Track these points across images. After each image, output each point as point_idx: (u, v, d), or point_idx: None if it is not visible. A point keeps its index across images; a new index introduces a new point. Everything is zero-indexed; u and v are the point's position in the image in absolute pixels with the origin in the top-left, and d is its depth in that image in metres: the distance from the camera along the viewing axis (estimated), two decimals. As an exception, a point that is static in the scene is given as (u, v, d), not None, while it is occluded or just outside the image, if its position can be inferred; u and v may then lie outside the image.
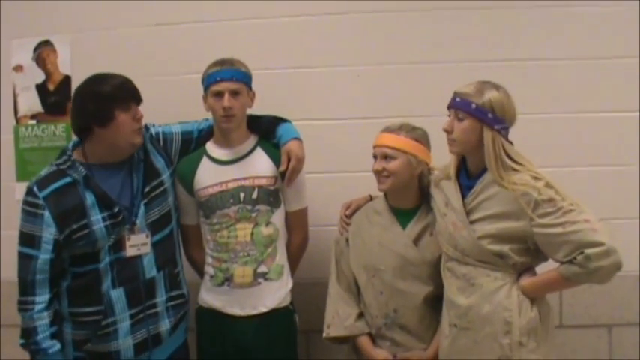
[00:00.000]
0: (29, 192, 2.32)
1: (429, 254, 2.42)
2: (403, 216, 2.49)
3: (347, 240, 2.58)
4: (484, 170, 2.22)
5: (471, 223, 2.22)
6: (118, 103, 2.28)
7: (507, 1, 2.92)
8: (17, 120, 3.18)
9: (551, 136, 2.73)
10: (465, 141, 2.21)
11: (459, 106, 2.21)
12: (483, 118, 2.16)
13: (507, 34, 2.93)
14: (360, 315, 2.53)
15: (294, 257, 2.68)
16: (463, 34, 2.94)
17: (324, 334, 2.56)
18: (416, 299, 2.41)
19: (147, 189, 2.41)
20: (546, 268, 2.22)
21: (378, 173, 2.42)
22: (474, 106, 2.17)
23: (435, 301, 2.43)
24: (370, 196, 2.64)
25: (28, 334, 2.29)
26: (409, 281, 2.42)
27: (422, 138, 2.44)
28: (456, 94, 2.23)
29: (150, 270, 2.40)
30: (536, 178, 2.14)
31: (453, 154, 2.30)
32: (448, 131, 2.24)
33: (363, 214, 2.58)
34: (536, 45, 2.91)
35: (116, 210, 2.33)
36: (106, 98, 2.28)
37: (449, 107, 2.26)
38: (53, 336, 2.30)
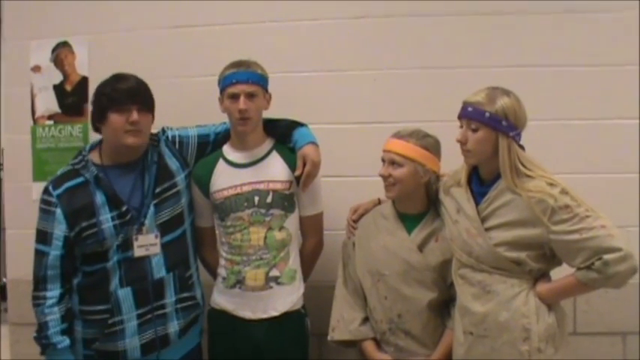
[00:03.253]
0: (45, 190, 2.39)
1: (433, 260, 2.41)
2: (410, 221, 2.49)
3: (354, 244, 2.58)
4: (497, 177, 2.21)
5: (486, 230, 2.22)
6: (111, 104, 2.32)
7: (524, 1, 2.92)
8: (34, 120, 3.20)
9: (550, 143, 2.72)
10: (481, 151, 2.20)
11: (472, 116, 2.18)
12: (498, 126, 2.15)
13: (516, 41, 2.92)
14: (365, 319, 2.53)
15: (309, 262, 2.68)
16: (478, 40, 2.94)
17: (329, 337, 2.58)
18: (419, 305, 2.41)
19: (158, 190, 2.43)
20: (560, 273, 2.22)
21: (383, 178, 2.42)
22: (487, 115, 2.15)
23: (439, 307, 2.44)
24: (379, 199, 2.63)
25: (39, 329, 2.35)
26: (413, 287, 2.41)
27: (431, 146, 2.43)
28: (466, 103, 2.21)
29: (159, 271, 2.41)
30: (551, 185, 2.13)
31: (469, 164, 2.29)
32: (462, 142, 2.22)
33: (370, 218, 2.58)
34: (538, 52, 2.91)
35: (124, 209, 2.36)
36: (103, 99, 2.34)
37: (460, 117, 2.24)
38: (64, 332, 2.34)
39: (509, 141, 2.15)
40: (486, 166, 2.24)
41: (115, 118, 2.32)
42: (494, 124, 2.15)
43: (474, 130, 2.18)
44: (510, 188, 2.16)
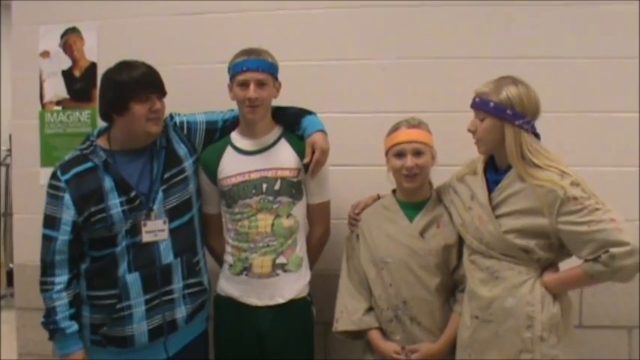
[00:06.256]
0: (53, 175, 2.39)
1: (435, 245, 2.43)
2: (411, 209, 2.51)
3: (357, 236, 2.59)
4: (510, 165, 2.23)
5: (497, 217, 2.23)
6: (134, 94, 2.31)
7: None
8: (43, 105, 3.20)
9: (549, 135, 2.72)
10: (489, 140, 2.24)
11: (478, 106, 2.24)
12: (503, 115, 2.18)
13: (525, 32, 2.92)
14: (369, 310, 2.53)
15: (315, 250, 2.68)
16: (485, 31, 2.94)
17: (333, 329, 2.58)
18: (424, 291, 2.42)
19: (166, 175, 2.43)
20: (569, 264, 2.23)
21: (408, 169, 2.41)
22: (492, 104, 2.19)
23: (444, 293, 2.45)
24: (378, 195, 2.65)
25: (48, 314, 2.35)
26: (417, 272, 2.42)
27: (429, 131, 2.48)
28: (475, 94, 2.25)
29: (166, 256, 2.42)
30: (562, 176, 2.14)
31: (481, 153, 2.33)
32: (472, 131, 2.26)
33: (371, 210, 2.59)
34: (536, 43, 2.91)
35: (133, 195, 2.36)
36: (122, 88, 2.31)
37: (471, 107, 2.28)
38: (72, 318, 2.35)
39: (516, 130, 2.18)
40: (500, 154, 2.27)
41: (138, 108, 2.31)
42: (499, 114, 2.19)
43: (481, 120, 2.23)
44: (521, 176, 2.18)
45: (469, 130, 2.27)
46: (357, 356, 2.66)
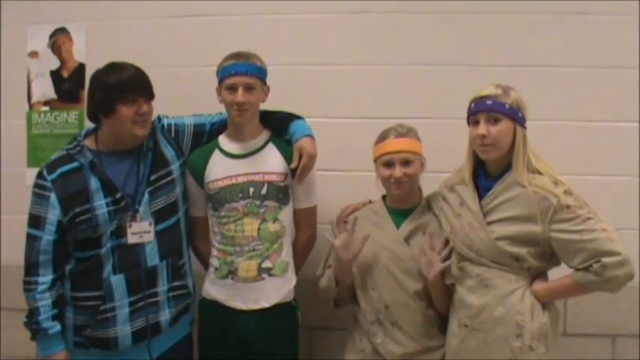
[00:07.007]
0: (39, 175, 2.39)
1: (419, 252, 2.42)
2: (398, 216, 2.51)
3: None
4: (504, 171, 2.23)
5: (488, 224, 2.23)
6: (121, 96, 2.31)
7: (519, 1, 2.92)
8: (30, 106, 3.20)
9: (550, 144, 2.74)
10: (503, 143, 2.19)
11: (493, 108, 2.19)
12: (516, 117, 2.19)
13: (515, 40, 2.93)
14: None
15: (301, 255, 2.68)
16: (479, 39, 2.95)
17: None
18: (406, 295, 2.41)
19: (153, 177, 2.43)
20: (558, 274, 2.23)
21: (397, 179, 2.40)
22: (507, 106, 2.18)
23: (425, 299, 2.44)
24: (370, 200, 2.65)
25: (30, 314, 2.34)
26: (399, 277, 2.42)
27: (419, 138, 2.47)
28: (482, 97, 2.21)
29: (152, 258, 2.41)
30: (556, 184, 2.14)
31: (491, 159, 2.25)
32: (486, 136, 2.19)
33: (359, 214, 2.58)
34: (536, 52, 2.92)
35: (118, 196, 2.35)
36: (109, 90, 2.31)
37: (475, 112, 2.22)
38: (55, 318, 2.34)
39: (524, 132, 2.20)
40: (496, 159, 2.24)
41: (124, 110, 2.31)
42: (513, 115, 2.18)
43: (496, 122, 2.18)
44: (520, 181, 2.17)
45: (482, 136, 2.19)
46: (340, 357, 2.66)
